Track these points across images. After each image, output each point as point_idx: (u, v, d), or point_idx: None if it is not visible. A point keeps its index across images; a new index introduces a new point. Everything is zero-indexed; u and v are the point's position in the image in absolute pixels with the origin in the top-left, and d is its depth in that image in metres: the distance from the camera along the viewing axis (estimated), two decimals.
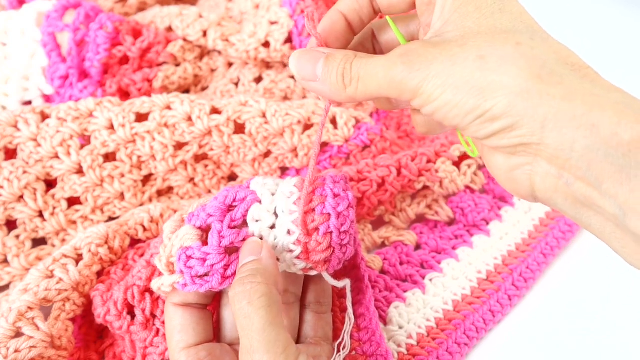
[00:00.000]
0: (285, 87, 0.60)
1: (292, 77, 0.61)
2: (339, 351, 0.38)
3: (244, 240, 0.35)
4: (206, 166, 0.53)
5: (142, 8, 0.67)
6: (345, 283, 0.39)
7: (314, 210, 0.36)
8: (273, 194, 0.37)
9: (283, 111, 0.51)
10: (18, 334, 0.37)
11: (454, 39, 0.30)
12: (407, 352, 0.43)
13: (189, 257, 0.35)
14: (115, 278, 0.41)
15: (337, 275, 0.43)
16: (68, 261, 0.41)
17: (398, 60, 0.31)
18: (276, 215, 0.37)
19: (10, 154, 0.48)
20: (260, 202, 0.37)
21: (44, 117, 0.48)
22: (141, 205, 0.51)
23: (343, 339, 0.39)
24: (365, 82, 0.32)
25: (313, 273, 0.38)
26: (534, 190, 0.30)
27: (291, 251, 0.36)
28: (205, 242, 0.35)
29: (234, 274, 0.35)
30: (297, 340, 0.39)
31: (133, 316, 0.39)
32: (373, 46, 0.38)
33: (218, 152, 0.51)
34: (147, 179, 0.52)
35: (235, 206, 0.36)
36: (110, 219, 0.50)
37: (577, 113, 0.26)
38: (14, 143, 0.47)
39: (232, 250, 0.36)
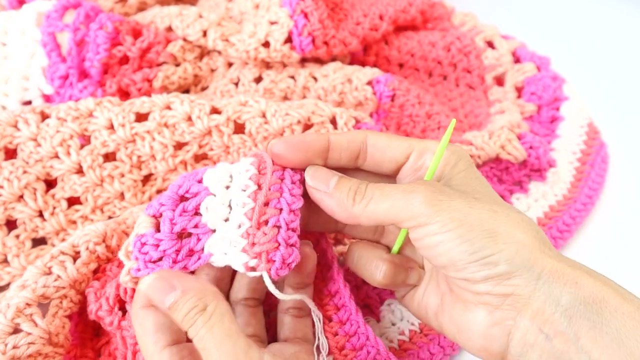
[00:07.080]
0: (285, 87, 0.60)
1: (292, 77, 0.61)
2: (319, 352, 0.38)
3: (196, 226, 0.36)
4: (206, 166, 0.53)
5: (142, 8, 0.67)
6: (295, 298, 0.37)
7: (267, 204, 0.36)
8: (227, 187, 0.37)
9: (283, 111, 0.51)
10: (16, 330, 0.37)
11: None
12: (398, 347, 0.44)
13: (143, 244, 0.36)
14: (110, 275, 0.42)
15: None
16: (66, 258, 0.41)
17: (421, 187, 0.33)
18: (230, 207, 0.37)
19: (10, 154, 0.48)
20: (214, 195, 0.37)
21: (44, 117, 0.49)
22: (141, 204, 0.51)
23: (319, 340, 0.38)
24: (377, 201, 0.34)
25: (254, 274, 0.35)
26: (509, 346, 0.32)
27: (238, 244, 0.35)
28: (159, 230, 0.36)
29: (184, 259, 0.35)
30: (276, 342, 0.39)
31: (125, 312, 0.39)
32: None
33: (218, 152, 0.52)
34: (147, 179, 0.52)
35: (189, 198, 0.37)
36: (110, 218, 0.50)
37: (566, 272, 0.30)
38: (14, 143, 0.47)
39: (184, 236, 0.36)
